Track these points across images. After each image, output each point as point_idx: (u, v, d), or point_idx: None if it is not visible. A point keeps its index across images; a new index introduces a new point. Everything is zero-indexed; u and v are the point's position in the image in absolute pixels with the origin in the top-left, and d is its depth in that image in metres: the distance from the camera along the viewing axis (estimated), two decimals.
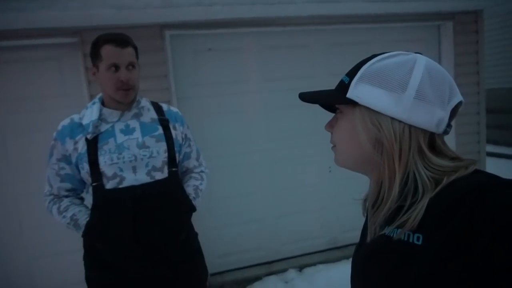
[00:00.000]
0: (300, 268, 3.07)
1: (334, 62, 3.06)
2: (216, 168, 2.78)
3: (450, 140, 3.29)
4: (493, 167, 3.76)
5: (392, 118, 0.61)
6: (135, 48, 1.43)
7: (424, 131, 0.62)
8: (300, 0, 2.65)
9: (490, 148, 6.49)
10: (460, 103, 0.64)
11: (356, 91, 0.64)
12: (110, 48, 1.34)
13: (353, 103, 0.65)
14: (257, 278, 2.98)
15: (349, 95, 0.65)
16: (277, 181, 3.14)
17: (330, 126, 0.73)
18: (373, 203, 0.66)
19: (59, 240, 2.61)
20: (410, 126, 0.61)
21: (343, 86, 0.67)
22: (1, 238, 2.63)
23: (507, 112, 7.42)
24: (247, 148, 3.05)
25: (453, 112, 0.64)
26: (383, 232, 0.63)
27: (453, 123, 0.66)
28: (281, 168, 3.14)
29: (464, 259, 0.50)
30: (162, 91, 2.71)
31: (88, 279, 1.46)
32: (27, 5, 2.30)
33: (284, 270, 3.04)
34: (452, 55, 3.32)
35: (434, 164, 0.60)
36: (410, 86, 0.61)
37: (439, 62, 3.37)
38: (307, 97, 0.73)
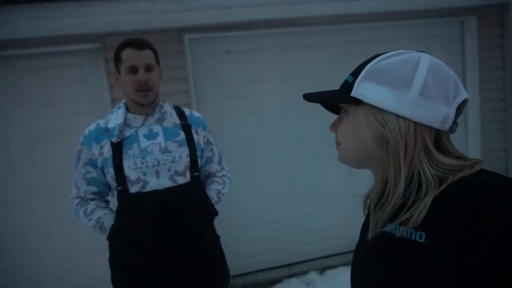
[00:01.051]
0: (322, 270, 3.04)
1: (353, 60, 2.97)
2: (236, 170, 2.78)
3: (475, 138, 3.20)
4: None
5: (397, 115, 0.62)
6: (154, 51, 1.45)
7: (429, 128, 0.62)
8: (318, 0, 2.63)
9: None
10: (465, 100, 0.65)
11: (360, 90, 0.65)
12: (128, 51, 1.38)
13: (357, 102, 0.65)
14: (278, 280, 2.98)
15: (354, 93, 0.66)
16: (297, 181, 3.13)
17: (334, 126, 0.74)
18: (377, 200, 0.66)
19: (86, 241, 2.68)
20: (415, 123, 0.61)
21: (347, 86, 0.68)
22: (30, 240, 2.72)
23: None
24: (267, 149, 3.05)
25: (459, 110, 0.64)
26: (384, 229, 0.63)
27: (459, 120, 0.66)
28: (300, 168, 3.12)
29: (468, 259, 0.50)
30: (182, 94, 2.74)
31: (113, 280, 1.49)
32: (52, 14, 2.38)
33: (305, 272, 3.02)
34: (476, 50, 3.22)
35: (439, 162, 0.61)
36: (414, 83, 0.61)
37: (463, 57, 3.28)
38: (311, 97, 0.73)
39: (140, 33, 2.60)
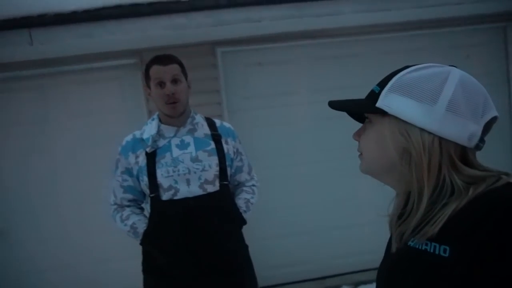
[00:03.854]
0: (355, 285, 2.96)
1: (386, 71, 2.94)
2: (266, 179, 2.79)
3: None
4: None
5: (422, 129, 0.61)
6: (180, 64, 1.52)
7: (455, 144, 0.61)
8: (348, 10, 2.63)
9: None
10: (495, 118, 0.63)
11: (386, 101, 0.65)
12: (155, 68, 1.47)
13: (382, 113, 0.65)
14: None
15: (379, 104, 0.66)
16: (329, 192, 3.08)
17: (358, 135, 0.74)
18: (399, 214, 0.65)
19: (122, 245, 2.76)
20: (440, 138, 0.60)
21: (373, 96, 0.68)
22: (69, 242, 2.86)
23: None
24: (298, 159, 3.04)
25: (487, 127, 0.63)
26: (408, 243, 0.62)
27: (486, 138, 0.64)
28: (332, 179, 3.07)
29: (493, 273, 0.49)
30: (214, 105, 2.81)
31: (145, 283, 1.55)
32: (94, 31, 2.54)
33: (337, 287, 2.95)
34: None
35: (465, 175, 0.60)
36: (442, 98, 0.60)
37: (507, 67, 3.12)
38: (336, 105, 0.74)
39: (175, 47, 2.71)
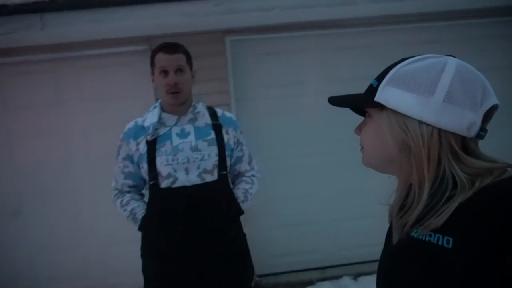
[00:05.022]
0: (356, 276, 2.98)
1: None
2: (274, 169, 2.81)
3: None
4: None
5: (420, 122, 0.61)
6: (186, 54, 1.53)
7: (454, 135, 0.60)
8: (361, 0, 2.58)
9: None
10: (495, 106, 0.62)
11: (384, 94, 0.65)
12: (160, 55, 1.48)
13: (380, 106, 0.65)
14: (310, 283, 2.96)
15: (377, 98, 0.65)
16: (336, 184, 3.08)
17: (359, 129, 0.74)
18: (400, 205, 0.65)
19: (131, 229, 2.82)
20: (439, 129, 0.60)
21: (372, 90, 0.68)
22: (81, 224, 2.95)
23: None
24: (306, 149, 3.04)
25: (487, 116, 0.62)
26: (410, 234, 0.62)
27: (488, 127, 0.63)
28: (340, 171, 3.07)
29: (498, 265, 0.50)
30: (222, 93, 2.82)
31: (144, 267, 1.60)
32: (106, 17, 2.57)
33: (338, 277, 2.97)
34: None
35: (470, 165, 0.59)
36: (438, 89, 0.60)
37: None
38: (336, 100, 0.75)
39: (185, 34, 2.72)
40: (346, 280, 2.91)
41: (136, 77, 2.91)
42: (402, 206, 0.65)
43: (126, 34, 2.71)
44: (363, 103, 0.70)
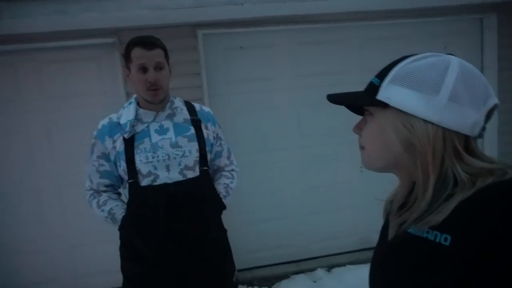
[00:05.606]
0: (329, 267, 3.05)
1: (368, 57, 2.99)
2: (246, 165, 2.80)
3: (492, 139, 3.13)
4: None
5: (425, 120, 0.60)
6: (164, 49, 1.47)
7: (458, 134, 0.60)
8: None
9: None
10: (495, 105, 0.63)
11: (387, 93, 0.64)
12: (138, 51, 1.40)
13: (383, 105, 0.64)
14: (286, 276, 2.99)
15: (380, 96, 0.64)
16: (308, 178, 3.13)
17: (359, 128, 0.72)
18: (402, 204, 0.65)
19: (99, 229, 2.74)
20: (443, 128, 0.60)
21: (373, 88, 0.66)
22: (46, 226, 2.81)
23: None
24: (278, 145, 3.06)
25: (488, 115, 0.62)
26: (408, 230, 0.62)
27: (487, 125, 0.64)
28: (311, 165, 3.12)
29: (495, 264, 0.50)
30: (194, 88, 2.77)
31: (123, 268, 1.54)
32: (69, 8, 2.43)
33: (312, 269, 3.02)
34: (495, 48, 3.15)
35: (472, 165, 0.59)
36: (443, 88, 0.60)
37: (482, 56, 3.21)
38: (335, 98, 0.72)
39: (154, 28, 2.63)
40: (320, 272, 2.97)
41: (103, 72, 2.78)
42: (403, 204, 0.65)
43: (91, 26, 2.57)
44: (365, 101, 0.68)
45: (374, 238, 3.10)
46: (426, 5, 2.88)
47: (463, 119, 0.60)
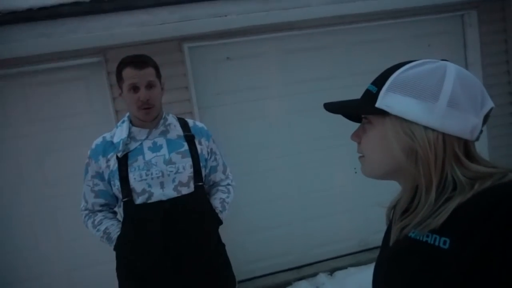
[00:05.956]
0: (331, 271, 3.04)
1: (355, 61, 3.03)
2: (240, 175, 2.78)
3: (482, 143, 3.17)
4: None
5: (425, 127, 0.61)
6: (155, 67, 1.48)
7: (458, 139, 0.61)
8: (315, 2, 2.64)
9: None
10: (491, 108, 0.64)
11: (386, 101, 0.64)
12: (129, 70, 1.41)
13: (383, 113, 0.65)
14: (288, 283, 2.98)
15: (379, 104, 0.65)
16: (303, 184, 3.13)
17: (357, 136, 0.72)
18: (405, 208, 0.66)
19: (96, 250, 2.70)
20: (444, 134, 0.61)
21: (371, 96, 0.67)
22: (42, 250, 2.76)
23: None
24: (271, 153, 3.06)
25: (485, 119, 0.63)
26: (409, 235, 0.63)
27: (484, 128, 0.66)
28: (305, 171, 3.12)
29: (495, 267, 0.49)
30: (184, 102, 2.77)
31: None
32: (54, 31, 2.42)
33: (314, 275, 3.01)
34: (478, 45, 3.21)
35: (471, 170, 0.60)
36: (442, 94, 0.61)
37: (465, 53, 3.27)
38: (333, 107, 0.72)
39: (140, 44, 2.64)
40: (322, 277, 2.96)
41: (92, 91, 2.77)
42: (406, 209, 0.65)
43: (77, 46, 2.57)
44: (364, 110, 0.68)
45: (372, 240, 3.15)
46: (406, 5, 2.94)
47: (463, 124, 0.61)
